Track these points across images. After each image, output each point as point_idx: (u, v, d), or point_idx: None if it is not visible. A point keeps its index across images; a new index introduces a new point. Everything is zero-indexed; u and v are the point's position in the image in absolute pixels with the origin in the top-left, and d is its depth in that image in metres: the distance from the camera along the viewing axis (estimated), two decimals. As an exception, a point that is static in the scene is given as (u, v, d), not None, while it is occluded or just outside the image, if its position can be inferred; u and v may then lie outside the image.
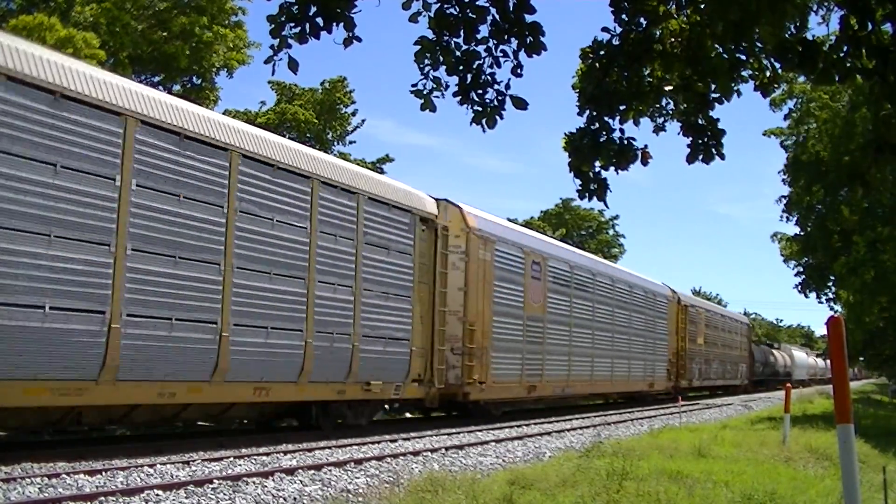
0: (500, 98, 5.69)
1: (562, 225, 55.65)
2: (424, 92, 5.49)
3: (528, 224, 52.87)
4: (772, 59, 6.04)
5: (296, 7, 5.08)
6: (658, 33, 6.12)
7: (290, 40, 5.11)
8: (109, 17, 21.74)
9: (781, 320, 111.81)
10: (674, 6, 6.16)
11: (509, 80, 5.66)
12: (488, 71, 5.63)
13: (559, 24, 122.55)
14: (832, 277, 27.95)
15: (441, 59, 5.47)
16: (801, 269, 30.27)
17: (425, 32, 5.45)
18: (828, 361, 70.95)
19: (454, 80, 5.61)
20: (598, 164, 6.28)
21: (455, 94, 5.63)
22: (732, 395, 44.47)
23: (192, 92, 24.44)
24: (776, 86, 6.27)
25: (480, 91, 5.67)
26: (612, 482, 8.68)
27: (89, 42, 19.50)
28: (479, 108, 5.69)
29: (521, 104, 5.68)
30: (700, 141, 6.28)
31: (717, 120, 6.29)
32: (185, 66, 23.47)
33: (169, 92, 24.36)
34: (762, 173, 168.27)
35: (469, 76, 5.61)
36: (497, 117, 5.71)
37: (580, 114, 6.24)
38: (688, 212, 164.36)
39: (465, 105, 5.68)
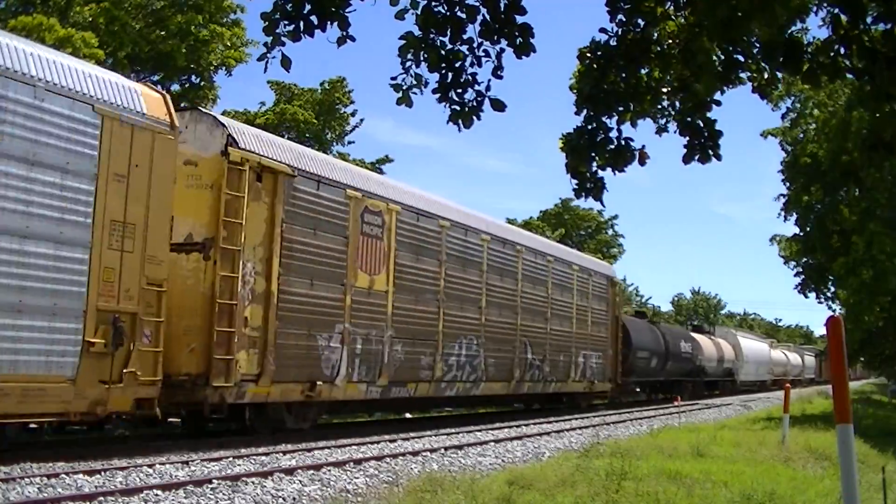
0: (479, 99, 5.70)
1: (561, 225, 55.55)
2: (403, 87, 5.51)
3: (527, 224, 52.77)
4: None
5: (290, 5, 5.08)
6: (655, 34, 6.13)
7: (283, 38, 5.12)
8: (108, 16, 21.71)
9: (780, 320, 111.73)
10: (671, 7, 6.17)
11: (489, 80, 5.68)
12: (469, 71, 5.64)
13: (560, 24, 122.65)
14: (831, 278, 27.93)
15: (424, 56, 5.48)
16: (801, 270, 30.25)
17: (413, 29, 5.47)
18: (807, 358, 65.48)
19: (435, 77, 5.63)
20: (595, 164, 6.29)
21: (434, 92, 5.64)
22: (560, 415, 22.48)
23: (190, 91, 24.40)
24: (775, 87, 6.27)
25: (460, 90, 5.68)
26: (610, 482, 8.68)
27: (88, 42, 19.48)
28: (458, 108, 5.71)
29: (499, 106, 5.70)
30: (696, 141, 6.29)
31: (715, 121, 6.30)
32: (182, 64, 23.43)
33: (168, 91, 24.30)
34: (761, 173, 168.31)
35: (450, 75, 5.62)
36: (474, 117, 5.72)
37: (577, 113, 6.26)
38: (687, 212, 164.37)
39: (444, 103, 5.69)
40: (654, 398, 35.22)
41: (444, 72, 5.58)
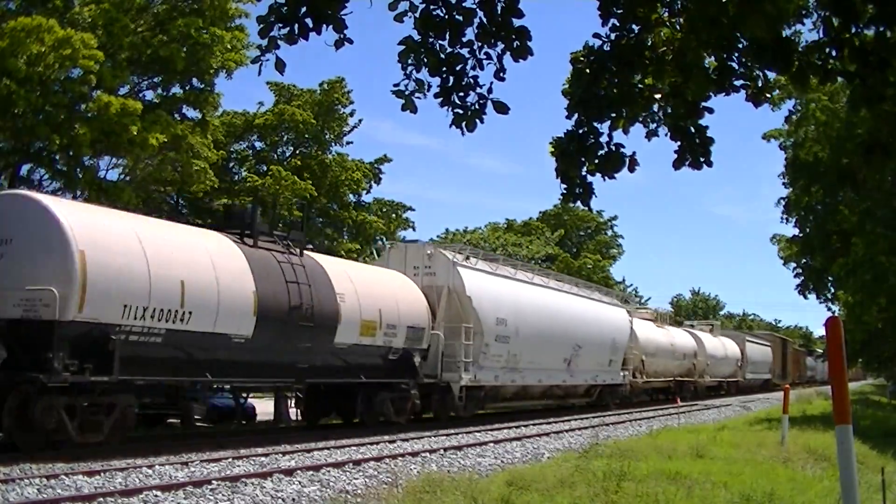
0: (481, 102, 5.68)
1: (560, 226, 55.61)
2: (406, 92, 5.50)
3: (526, 224, 52.95)
4: (764, 71, 6.01)
5: (285, 8, 5.07)
6: (650, 41, 6.11)
7: (279, 41, 5.11)
8: (108, 17, 21.64)
9: (780, 321, 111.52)
10: (666, 13, 6.15)
11: (491, 83, 5.66)
12: (471, 74, 5.62)
13: (562, 25, 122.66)
14: (831, 278, 27.92)
15: (425, 60, 5.46)
16: (801, 271, 30.25)
17: (412, 33, 5.45)
18: (754, 347, 57.93)
19: (436, 81, 5.61)
20: (585, 169, 6.26)
21: (437, 96, 5.62)
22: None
23: (191, 95, 24.34)
24: (767, 95, 6.23)
25: (462, 94, 5.66)
26: (609, 483, 8.69)
27: (87, 43, 19.43)
28: (460, 111, 5.69)
29: (502, 108, 5.66)
30: (688, 147, 6.26)
31: (706, 127, 6.28)
32: (181, 68, 23.37)
33: (167, 94, 24.22)
34: (761, 175, 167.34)
35: (451, 78, 5.60)
36: (477, 121, 5.69)
37: (569, 117, 6.22)
38: (686, 213, 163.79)
39: (446, 107, 5.67)
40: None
41: (445, 76, 5.56)
